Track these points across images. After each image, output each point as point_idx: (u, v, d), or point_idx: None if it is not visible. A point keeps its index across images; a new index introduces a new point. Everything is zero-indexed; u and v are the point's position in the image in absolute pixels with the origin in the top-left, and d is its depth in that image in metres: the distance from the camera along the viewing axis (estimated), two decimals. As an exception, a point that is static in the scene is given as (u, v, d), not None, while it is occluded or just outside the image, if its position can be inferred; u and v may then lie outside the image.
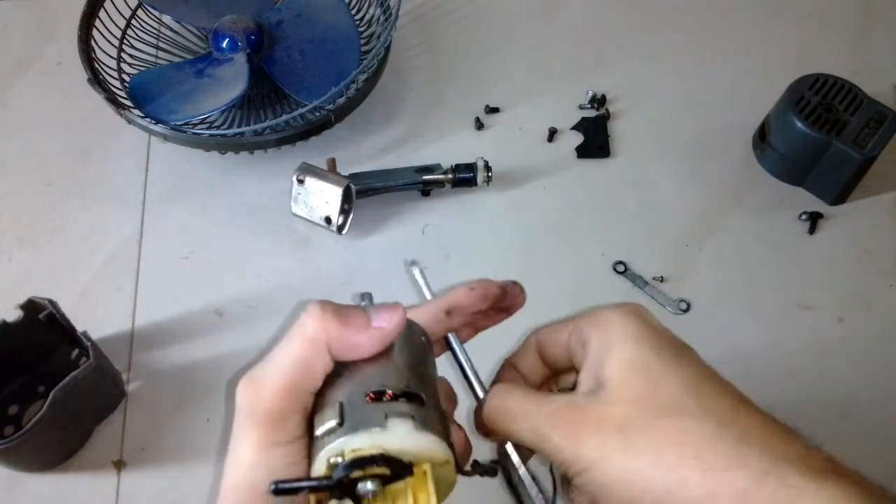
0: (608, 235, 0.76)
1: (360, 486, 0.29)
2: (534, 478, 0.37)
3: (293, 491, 0.29)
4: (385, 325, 0.33)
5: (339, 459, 0.30)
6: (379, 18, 0.86)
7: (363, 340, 0.32)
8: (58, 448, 0.64)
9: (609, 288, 0.73)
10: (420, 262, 0.41)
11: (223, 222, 0.78)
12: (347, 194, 0.73)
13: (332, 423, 0.30)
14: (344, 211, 0.74)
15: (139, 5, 0.86)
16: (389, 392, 0.32)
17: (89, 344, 0.62)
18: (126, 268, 0.75)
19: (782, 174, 0.79)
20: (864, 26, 0.91)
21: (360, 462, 0.29)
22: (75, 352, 0.68)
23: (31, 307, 0.63)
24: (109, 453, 0.66)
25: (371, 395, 0.31)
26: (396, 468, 0.30)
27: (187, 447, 0.66)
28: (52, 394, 0.58)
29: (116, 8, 0.84)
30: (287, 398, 0.31)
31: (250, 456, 0.31)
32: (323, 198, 0.73)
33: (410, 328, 0.36)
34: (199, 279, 0.74)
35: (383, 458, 0.30)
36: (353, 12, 0.86)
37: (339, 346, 0.32)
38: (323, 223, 0.75)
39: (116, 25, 0.84)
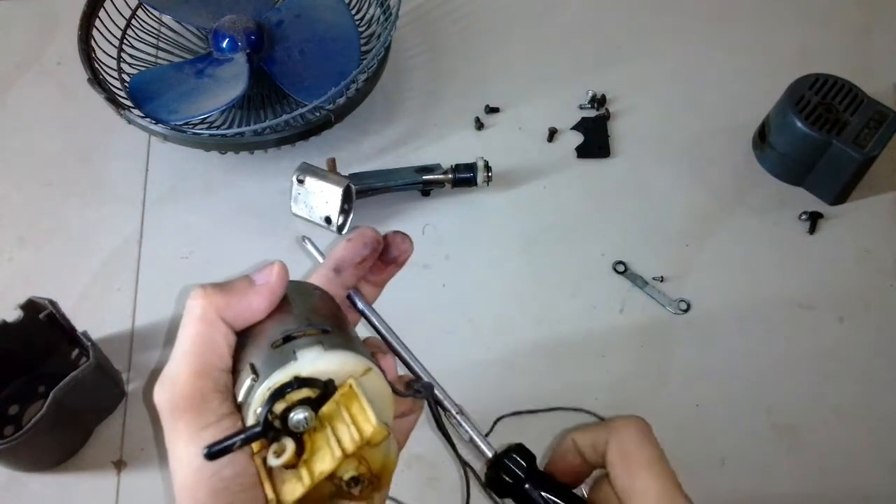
0: (608, 235, 0.76)
1: (292, 417, 0.29)
2: (472, 423, 0.38)
3: (226, 450, 0.28)
4: (268, 279, 0.33)
5: (261, 409, 0.29)
6: (379, 18, 0.86)
7: (252, 299, 0.33)
8: (58, 448, 0.64)
9: (609, 288, 0.73)
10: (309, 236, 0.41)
11: (223, 222, 0.78)
12: (347, 194, 0.73)
13: (248, 381, 0.30)
14: (344, 211, 0.74)
15: (139, 5, 0.86)
16: (294, 335, 0.31)
17: (89, 344, 0.62)
18: (126, 268, 0.75)
19: (782, 174, 0.79)
20: (864, 26, 0.91)
21: (279, 392, 0.29)
22: (75, 352, 0.68)
23: (31, 307, 0.63)
24: (109, 453, 0.66)
25: (276, 343, 0.31)
26: (318, 387, 0.30)
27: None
28: (52, 394, 0.58)
29: (116, 8, 0.84)
30: (199, 379, 0.31)
31: (185, 448, 0.30)
32: (323, 198, 0.73)
33: (301, 285, 0.36)
34: (198, 279, 0.74)
35: (298, 381, 0.29)
36: (353, 12, 0.86)
37: (232, 313, 0.32)
38: (323, 223, 0.75)
39: (116, 25, 0.84)
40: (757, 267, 0.75)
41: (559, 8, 0.93)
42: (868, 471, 0.65)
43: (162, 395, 0.31)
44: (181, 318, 0.32)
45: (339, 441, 0.29)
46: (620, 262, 0.74)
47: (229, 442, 0.28)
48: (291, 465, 0.29)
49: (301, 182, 0.73)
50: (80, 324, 0.64)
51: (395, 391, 0.33)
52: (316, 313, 0.34)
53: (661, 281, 0.73)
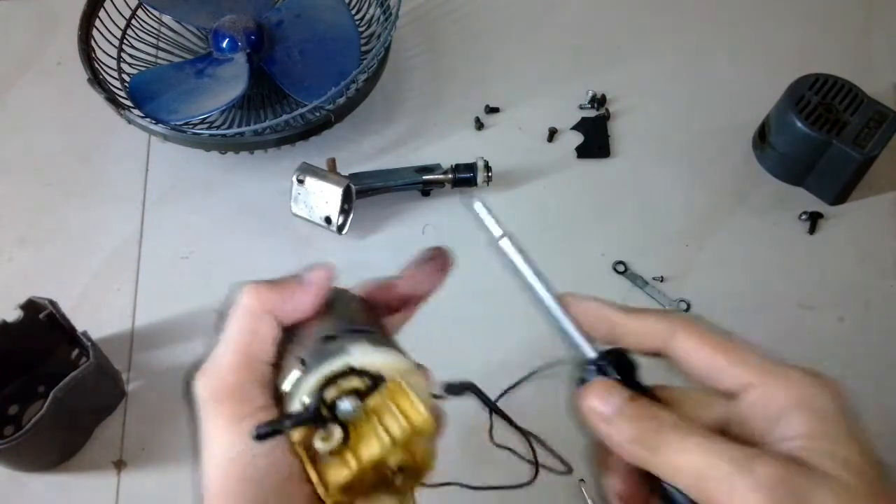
0: (608, 235, 0.76)
1: (339, 405, 0.30)
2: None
3: (275, 432, 0.29)
4: (317, 278, 0.34)
5: (309, 399, 0.30)
6: (379, 18, 0.86)
7: (301, 297, 0.34)
8: (58, 448, 0.64)
9: (609, 288, 0.73)
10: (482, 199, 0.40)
11: (223, 222, 0.78)
12: (347, 194, 0.73)
13: (296, 373, 0.31)
14: (344, 211, 0.74)
15: (139, 5, 0.86)
16: (343, 332, 0.33)
17: (89, 344, 0.62)
18: (126, 268, 0.75)
19: (782, 174, 0.79)
20: (864, 26, 0.91)
21: (332, 379, 0.30)
22: (75, 352, 0.68)
23: (31, 307, 0.63)
24: (109, 453, 0.66)
25: (326, 338, 0.33)
26: (368, 378, 0.31)
27: (187, 447, 0.66)
28: (52, 394, 0.58)
29: (116, 8, 0.84)
30: (242, 370, 0.32)
31: (222, 437, 0.31)
32: (323, 198, 0.73)
33: (342, 291, 0.37)
34: (199, 279, 0.74)
35: (352, 370, 0.31)
36: (353, 12, 0.86)
37: (280, 309, 0.33)
38: (323, 223, 0.75)
39: (116, 25, 0.84)
40: (757, 267, 0.75)
41: (559, 8, 0.93)
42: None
43: (203, 385, 0.32)
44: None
45: (387, 430, 0.30)
46: (620, 262, 0.74)
47: (279, 424, 0.29)
48: (336, 452, 0.30)
49: (301, 182, 0.73)
50: (80, 324, 0.64)
51: (434, 395, 0.34)
52: (359, 316, 0.35)
53: (661, 281, 0.73)
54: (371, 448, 0.30)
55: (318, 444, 0.30)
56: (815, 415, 0.29)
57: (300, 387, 0.31)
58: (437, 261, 0.40)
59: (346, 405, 0.30)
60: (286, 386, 0.32)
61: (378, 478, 0.31)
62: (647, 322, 0.33)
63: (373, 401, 0.31)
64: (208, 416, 0.32)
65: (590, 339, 0.34)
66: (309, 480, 0.31)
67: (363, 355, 0.32)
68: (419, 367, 0.34)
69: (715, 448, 0.28)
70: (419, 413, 0.30)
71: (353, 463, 0.30)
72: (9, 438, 0.57)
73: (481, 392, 0.36)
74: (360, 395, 0.31)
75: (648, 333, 0.33)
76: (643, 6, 0.93)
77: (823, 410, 0.29)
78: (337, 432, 0.30)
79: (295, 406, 0.31)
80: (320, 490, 0.30)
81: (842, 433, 0.29)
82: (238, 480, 0.30)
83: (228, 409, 0.31)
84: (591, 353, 0.34)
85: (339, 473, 0.30)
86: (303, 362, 0.32)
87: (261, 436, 0.29)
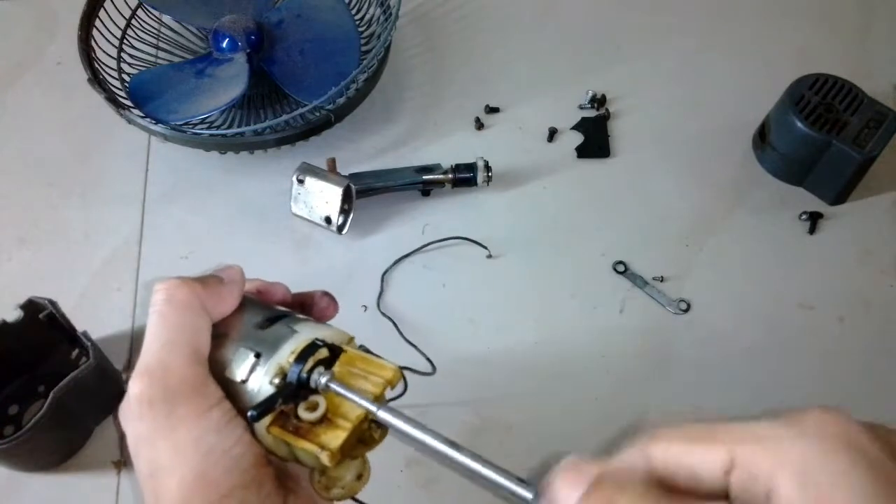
0: (608, 235, 0.76)
1: (314, 378, 0.32)
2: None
3: (269, 410, 0.31)
4: (234, 277, 0.36)
5: (278, 378, 0.32)
6: (379, 18, 0.86)
7: (226, 294, 0.35)
8: (58, 448, 0.64)
9: (609, 288, 0.73)
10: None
11: (223, 222, 0.78)
12: (347, 194, 0.73)
13: (250, 360, 0.33)
14: (344, 211, 0.74)
15: (139, 5, 0.86)
16: (275, 317, 0.35)
17: (89, 344, 0.62)
18: (126, 268, 0.75)
19: (782, 174, 0.79)
20: (864, 26, 0.91)
21: (307, 352, 0.32)
22: (75, 352, 0.68)
23: (31, 307, 0.63)
24: (109, 453, 0.66)
25: (264, 325, 0.35)
26: (332, 349, 0.33)
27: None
28: (52, 394, 0.58)
29: (116, 8, 0.84)
30: (196, 364, 0.32)
31: (189, 432, 0.30)
32: (323, 198, 0.73)
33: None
34: (199, 279, 0.74)
35: (322, 342, 0.33)
36: (353, 12, 0.86)
37: (210, 305, 0.34)
38: (323, 223, 0.75)
39: (116, 25, 0.84)
40: (757, 267, 0.75)
41: (559, 8, 0.93)
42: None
43: (152, 385, 0.31)
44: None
45: (361, 389, 0.32)
46: (620, 262, 0.74)
47: (270, 401, 0.31)
48: (317, 422, 0.32)
49: (301, 182, 0.73)
50: (80, 324, 0.64)
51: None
52: (272, 308, 0.37)
53: (661, 281, 0.73)
54: (356, 408, 0.32)
55: (305, 415, 0.31)
56: (800, 477, 0.23)
57: (261, 369, 0.32)
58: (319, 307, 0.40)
59: (321, 377, 0.32)
60: (241, 374, 0.33)
61: (358, 435, 0.33)
62: (620, 459, 0.26)
63: (335, 368, 0.33)
64: (164, 416, 0.31)
65: (520, 480, 0.28)
66: (269, 461, 0.32)
67: (313, 331, 0.34)
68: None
69: None
70: (389, 368, 0.33)
71: (346, 424, 0.31)
72: (9, 438, 0.57)
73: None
74: (324, 364, 0.33)
75: (625, 468, 0.26)
76: (643, 6, 0.93)
77: (810, 467, 0.23)
78: (322, 401, 0.32)
79: (261, 390, 0.32)
80: (324, 456, 0.31)
81: (839, 486, 0.22)
82: (222, 472, 0.30)
83: (194, 404, 0.31)
84: (527, 495, 0.28)
85: (336, 436, 0.31)
86: (251, 349, 0.33)
87: (258, 415, 0.30)
